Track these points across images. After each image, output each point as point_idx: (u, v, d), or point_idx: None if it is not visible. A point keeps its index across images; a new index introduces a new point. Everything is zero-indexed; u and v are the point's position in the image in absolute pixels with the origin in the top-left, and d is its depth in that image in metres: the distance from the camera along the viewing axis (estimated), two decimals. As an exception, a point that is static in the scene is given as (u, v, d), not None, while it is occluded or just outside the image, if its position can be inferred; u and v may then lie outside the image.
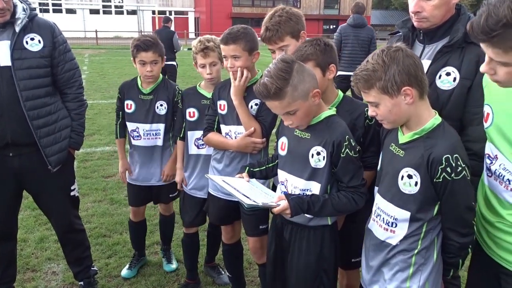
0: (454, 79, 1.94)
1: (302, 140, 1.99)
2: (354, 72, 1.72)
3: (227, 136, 2.53)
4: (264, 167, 2.26)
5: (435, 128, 1.68)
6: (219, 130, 2.59)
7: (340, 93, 2.18)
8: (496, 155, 1.63)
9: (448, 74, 1.95)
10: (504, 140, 1.57)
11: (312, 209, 1.88)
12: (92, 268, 3.07)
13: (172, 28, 10.70)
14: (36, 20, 2.52)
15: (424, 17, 1.94)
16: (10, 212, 2.72)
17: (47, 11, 38.42)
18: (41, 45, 2.50)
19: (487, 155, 1.69)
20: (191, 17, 45.69)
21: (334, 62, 2.12)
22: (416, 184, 1.68)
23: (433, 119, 1.70)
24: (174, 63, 9.99)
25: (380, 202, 1.83)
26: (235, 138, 2.48)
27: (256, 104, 2.45)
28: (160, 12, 32.42)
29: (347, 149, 1.88)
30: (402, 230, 1.74)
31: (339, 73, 6.28)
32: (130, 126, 3.05)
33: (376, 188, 1.91)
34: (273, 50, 2.37)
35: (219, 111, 2.56)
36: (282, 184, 2.08)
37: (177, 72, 10.48)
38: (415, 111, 1.69)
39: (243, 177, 2.15)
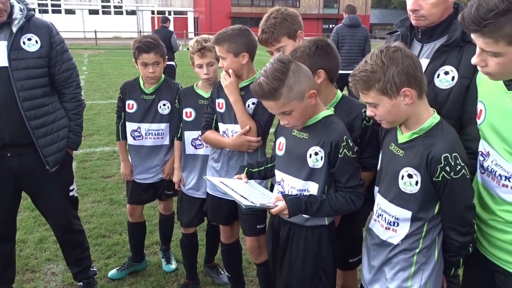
0: (453, 78, 1.94)
1: (300, 140, 1.98)
2: (352, 72, 1.71)
3: (224, 134, 2.54)
4: (263, 167, 2.25)
5: (434, 127, 1.68)
6: (217, 129, 2.59)
7: (339, 94, 2.17)
8: (488, 152, 1.63)
9: (446, 73, 1.95)
10: (496, 136, 1.58)
11: (309, 210, 1.88)
12: (91, 269, 3.07)
13: (171, 28, 10.71)
14: (33, 21, 2.51)
15: (422, 15, 1.94)
16: (9, 213, 2.71)
17: (46, 11, 38.42)
18: (38, 45, 2.49)
19: (480, 152, 1.69)
20: (190, 17, 45.70)
21: (325, 67, 2.05)
22: (416, 183, 1.67)
23: (432, 118, 1.70)
24: (173, 63, 9.98)
25: (381, 202, 1.83)
26: (232, 136, 2.48)
27: (253, 103, 2.45)
28: (160, 12, 32.36)
29: (345, 150, 1.87)
30: (403, 229, 1.74)
31: (337, 71, 6.38)
32: (131, 126, 3.04)
33: (376, 188, 1.90)
34: (271, 52, 2.36)
35: (217, 109, 2.56)
36: (279, 184, 2.08)
37: (177, 72, 10.48)
38: (414, 111, 1.68)
39: (241, 178, 2.14)
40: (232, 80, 2.41)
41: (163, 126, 3.02)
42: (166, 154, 3.09)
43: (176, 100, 2.91)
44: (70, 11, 41.44)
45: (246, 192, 1.97)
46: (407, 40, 2.10)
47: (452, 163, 1.59)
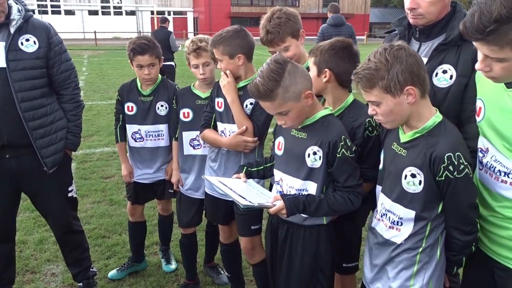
0: (451, 77, 1.94)
1: (298, 140, 1.98)
2: (355, 70, 1.70)
3: (222, 134, 2.54)
4: (262, 167, 2.26)
5: (436, 126, 1.67)
6: (216, 128, 2.59)
7: (350, 98, 2.13)
8: (487, 148, 1.64)
9: (444, 71, 1.95)
10: (495, 133, 1.58)
11: (308, 209, 1.88)
12: (91, 269, 3.07)
13: (170, 29, 10.71)
14: (31, 21, 2.51)
15: (419, 14, 1.94)
16: (8, 214, 2.71)
17: (45, 12, 38.43)
18: (37, 46, 2.49)
19: (479, 149, 1.69)
20: (190, 17, 45.68)
21: (333, 68, 2.03)
22: (420, 183, 1.67)
23: (434, 117, 1.69)
24: (172, 63, 9.99)
25: (385, 202, 1.82)
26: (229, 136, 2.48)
27: (251, 103, 2.45)
28: (159, 13, 32.37)
29: (343, 149, 1.87)
30: (407, 229, 1.74)
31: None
32: (132, 128, 3.04)
33: (378, 187, 1.90)
34: (274, 52, 2.34)
35: (216, 108, 2.56)
36: (278, 184, 2.08)
37: (176, 72, 10.48)
38: (417, 110, 1.68)
39: (240, 177, 2.14)
40: (230, 80, 2.41)
41: (162, 127, 3.02)
42: (167, 154, 3.09)
43: (174, 101, 2.91)
44: (69, 12, 41.43)
45: (245, 191, 1.97)
46: (405, 39, 2.09)
47: (456, 163, 1.59)
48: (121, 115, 3.08)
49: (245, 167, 2.23)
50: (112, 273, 3.29)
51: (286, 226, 2.07)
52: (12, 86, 2.40)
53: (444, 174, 1.61)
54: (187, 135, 2.82)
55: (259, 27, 2.41)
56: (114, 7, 43.37)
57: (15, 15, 2.42)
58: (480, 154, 1.69)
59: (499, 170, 1.58)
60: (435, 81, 1.96)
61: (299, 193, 1.95)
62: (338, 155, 1.87)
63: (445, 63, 1.95)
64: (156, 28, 11.26)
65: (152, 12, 35.32)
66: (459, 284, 2.04)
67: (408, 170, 1.69)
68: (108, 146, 6.58)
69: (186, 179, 2.90)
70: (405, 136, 1.74)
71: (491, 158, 1.61)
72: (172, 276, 3.34)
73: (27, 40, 2.46)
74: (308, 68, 2.16)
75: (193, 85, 2.88)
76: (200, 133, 2.65)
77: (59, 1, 40.54)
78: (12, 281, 2.90)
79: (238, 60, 2.38)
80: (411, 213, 1.71)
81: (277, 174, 2.08)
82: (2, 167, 2.54)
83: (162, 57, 3.05)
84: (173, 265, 3.43)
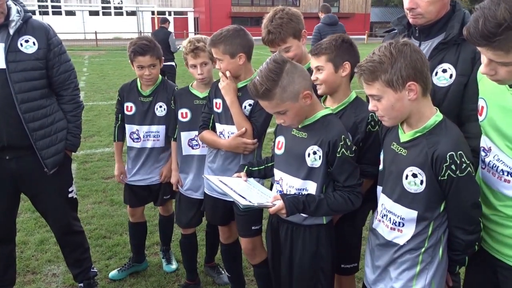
0: (451, 76, 1.93)
1: (299, 140, 1.98)
2: (359, 63, 1.70)
3: (221, 135, 2.53)
4: (263, 166, 2.25)
5: (437, 125, 1.67)
6: (215, 129, 2.58)
7: (352, 94, 2.15)
8: (490, 147, 1.63)
9: (444, 71, 1.95)
10: (497, 133, 1.58)
11: (307, 209, 1.88)
12: (91, 270, 3.07)
13: (171, 29, 10.73)
14: (31, 22, 2.51)
15: (419, 13, 1.93)
16: (8, 215, 2.71)
17: (46, 13, 38.46)
18: (36, 47, 2.49)
19: (482, 148, 1.69)
20: (190, 17, 45.69)
21: (351, 60, 2.06)
22: (421, 182, 1.66)
23: (435, 116, 1.69)
24: (173, 63, 10.00)
25: (386, 203, 1.81)
26: (228, 137, 2.48)
27: (249, 105, 2.44)
28: (160, 13, 32.42)
29: (342, 149, 1.87)
30: (409, 229, 1.73)
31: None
32: (130, 128, 3.04)
33: (379, 188, 1.89)
34: (275, 52, 2.35)
35: (215, 109, 2.55)
36: (277, 183, 2.08)
37: (177, 73, 10.48)
38: (417, 108, 1.67)
39: (240, 177, 2.14)
40: (229, 82, 2.41)
41: (160, 128, 3.02)
42: (163, 156, 3.09)
43: (172, 101, 2.91)
44: (70, 13, 41.47)
45: (245, 191, 1.97)
46: (404, 38, 2.09)
47: (458, 161, 1.58)
48: (120, 115, 3.09)
49: (246, 167, 2.23)
50: (112, 273, 3.29)
51: (286, 225, 2.07)
52: (12, 87, 2.40)
53: (446, 173, 1.60)
54: (186, 135, 2.82)
55: (261, 26, 2.40)
56: (115, 8, 43.41)
57: (14, 16, 2.42)
58: (482, 153, 1.68)
59: (501, 170, 1.58)
60: (435, 80, 1.95)
61: (299, 193, 1.95)
62: (338, 155, 1.87)
63: (444, 62, 1.95)
64: (157, 28, 11.28)
65: (152, 13, 35.35)
66: (460, 283, 2.04)
67: (409, 170, 1.68)
68: (109, 147, 6.58)
69: (185, 179, 2.90)
70: (405, 135, 1.73)
71: (493, 157, 1.61)
72: (172, 276, 3.34)
73: (27, 41, 2.46)
74: (309, 69, 2.15)
75: (191, 85, 2.88)
76: (198, 134, 2.64)
77: (59, 2, 40.60)
78: (13, 282, 2.90)
79: (239, 59, 2.37)
80: (413, 213, 1.70)
81: (277, 173, 2.08)
82: (2, 168, 2.54)
83: (163, 57, 3.06)
84: (174, 265, 3.43)
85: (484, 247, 1.72)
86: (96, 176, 5.45)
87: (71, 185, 2.84)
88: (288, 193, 1.98)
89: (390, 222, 1.78)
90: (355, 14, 46.08)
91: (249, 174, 2.20)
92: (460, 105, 1.94)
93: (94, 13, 42.19)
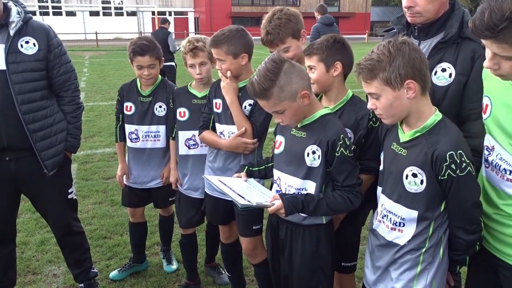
0: (450, 75, 1.93)
1: (298, 139, 1.98)
2: (357, 62, 1.70)
3: (221, 135, 2.53)
4: (263, 166, 2.25)
5: (436, 124, 1.67)
6: (215, 129, 2.58)
7: (349, 93, 2.16)
8: (493, 146, 1.63)
9: (443, 70, 1.94)
10: (501, 131, 1.57)
11: (306, 209, 1.87)
12: (92, 270, 3.07)
13: (171, 29, 10.74)
14: (31, 23, 2.51)
15: (417, 12, 1.93)
16: (7, 216, 2.71)
17: (47, 14, 38.49)
18: (36, 48, 2.49)
19: (485, 147, 1.68)
20: (190, 17, 45.69)
21: (343, 59, 2.08)
22: (421, 182, 1.66)
23: (434, 116, 1.68)
24: (173, 63, 10.01)
25: (386, 203, 1.81)
26: (228, 137, 2.48)
27: (249, 105, 2.44)
28: (160, 13, 32.43)
29: (341, 148, 1.87)
30: (410, 230, 1.73)
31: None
32: (129, 128, 3.04)
33: (379, 189, 1.88)
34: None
35: (215, 109, 2.55)
36: (275, 183, 2.08)
37: (177, 73, 10.49)
38: (416, 107, 1.67)
39: (240, 177, 2.14)
40: (229, 82, 2.41)
41: (160, 128, 3.01)
42: (163, 157, 3.08)
43: (170, 100, 2.91)
44: (71, 13, 41.50)
45: (245, 190, 1.97)
46: (404, 37, 2.09)
47: (458, 161, 1.58)
48: (121, 115, 3.09)
49: (246, 167, 2.23)
50: (113, 273, 3.29)
51: (286, 225, 2.07)
52: (12, 89, 2.40)
53: (446, 173, 1.60)
54: (183, 135, 2.82)
55: (260, 27, 2.40)
56: (115, 8, 43.41)
57: (14, 17, 2.42)
58: (486, 152, 1.68)
59: (504, 169, 1.57)
60: (434, 79, 1.95)
61: (298, 193, 1.95)
62: (337, 154, 1.87)
63: (444, 61, 1.94)
64: (157, 28, 11.29)
65: (153, 13, 35.34)
66: (461, 282, 2.04)
67: (409, 170, 1.68)
68: (110, 147, 6.58)
69: (184, 179, 2.89)
70: (404, 135, 1.73)
71: (496, 156, 1.61)
72: (173, 276, 3.34)
73: (27, 42, 2.46)
74: None
75: (189, 84, 2.88)
76: (199, 135, 2.65)
77: (60, 2, 40.63)
78: (14, 283, 2.90)
79: (241, 59, 2.37)
80: (414, 213, 1.70)
81: (276, 173, 2.08)
82: (1, 169, 2.54)
83: (163, 58, 3.06)
84: (174, 266, 3.43)
85: (486, 247, 1.72)
86: (97, 176, 5.45)
87: (70, 186, 2.84)
88: (287, 192, 1.98)
89: (391, 223, 1.78)
90: (355, 13, 46.05)
91: (249, 174, 2.20)
92: (459, 104, 1.93)
93: (94, 13, 42.21)
